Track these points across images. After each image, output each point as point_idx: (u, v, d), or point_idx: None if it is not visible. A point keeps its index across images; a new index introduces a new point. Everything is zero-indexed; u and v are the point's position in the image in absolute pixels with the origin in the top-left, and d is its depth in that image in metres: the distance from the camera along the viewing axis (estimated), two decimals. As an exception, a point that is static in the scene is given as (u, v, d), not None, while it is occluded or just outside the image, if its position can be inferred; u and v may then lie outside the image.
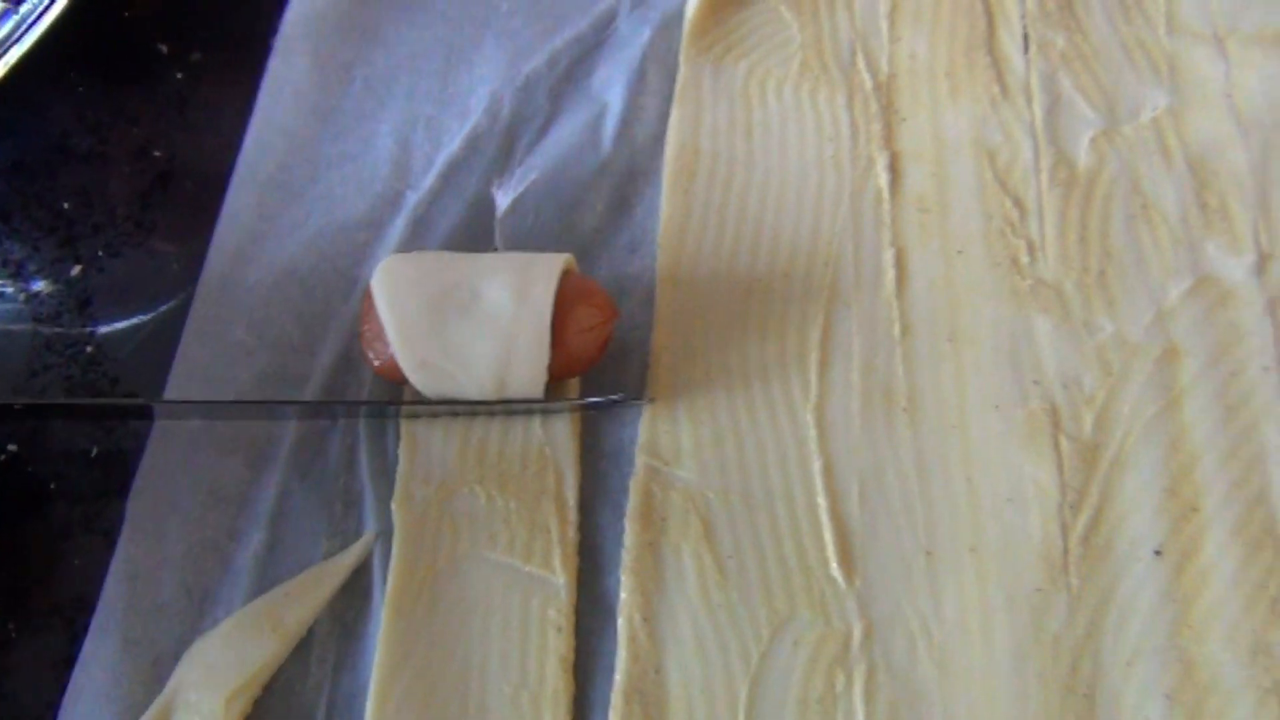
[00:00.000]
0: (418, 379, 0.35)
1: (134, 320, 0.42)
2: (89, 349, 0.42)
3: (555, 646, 0.34)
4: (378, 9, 0.47)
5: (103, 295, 0.43)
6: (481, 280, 0.35)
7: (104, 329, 0.42)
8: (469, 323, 0.34)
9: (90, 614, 0.37)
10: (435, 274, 0.35)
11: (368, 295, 0.36)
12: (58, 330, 0.43)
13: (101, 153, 0.45)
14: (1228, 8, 0.41)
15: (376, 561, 0.36)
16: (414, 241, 0.42)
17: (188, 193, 0.45)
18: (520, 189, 0.42)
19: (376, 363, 0.36)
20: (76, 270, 0.43)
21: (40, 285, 0.44)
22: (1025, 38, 0.42)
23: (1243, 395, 0.33)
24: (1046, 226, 0.38)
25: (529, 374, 0.35)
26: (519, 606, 0.34)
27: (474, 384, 0.35)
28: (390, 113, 0.45)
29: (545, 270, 0.35)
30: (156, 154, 0.45)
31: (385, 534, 0.36)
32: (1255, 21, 0.41)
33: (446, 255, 0.37)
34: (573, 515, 0.36)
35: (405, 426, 0.38)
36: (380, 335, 0.35)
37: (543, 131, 0.44)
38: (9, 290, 0.44)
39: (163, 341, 0.41)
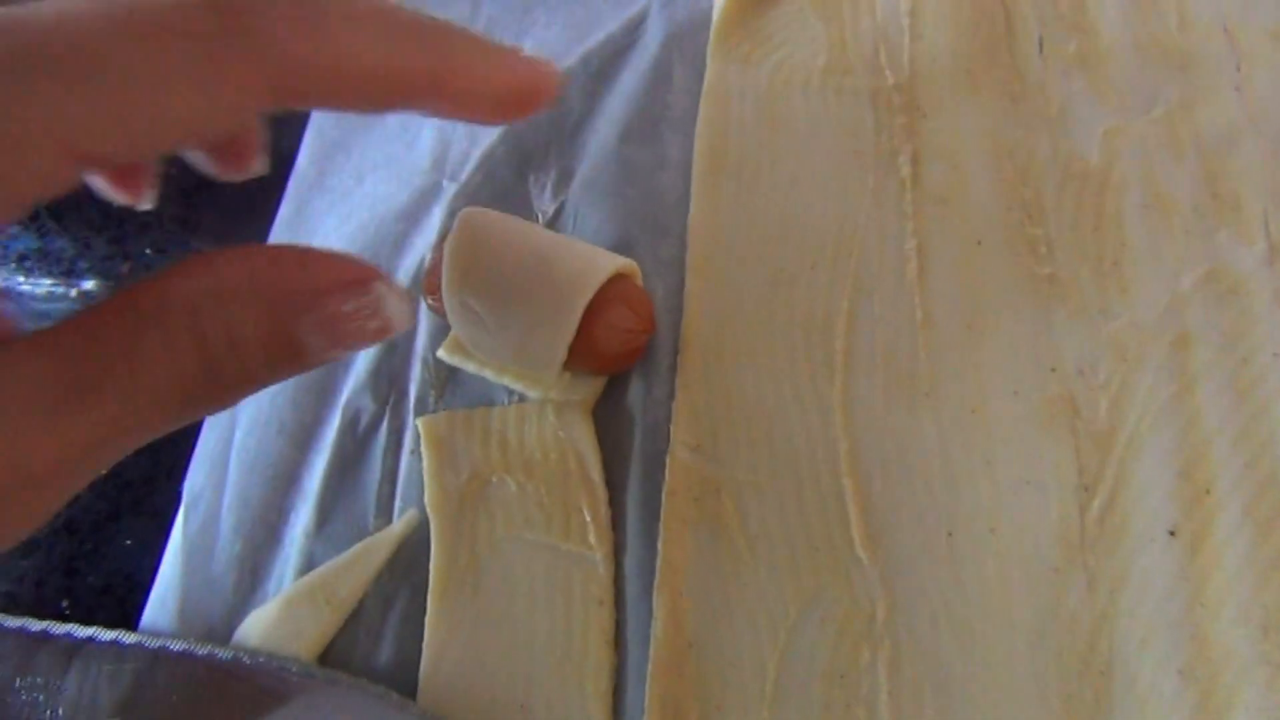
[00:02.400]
0: (455, 319, 0.35)
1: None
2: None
3: (597, 619, 0.34)
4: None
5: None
6: (545, 250, 0.35)
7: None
8: (518, 281, 0.34)
9: (141, 592, 0.37)
10: (507, 233, 0.36)
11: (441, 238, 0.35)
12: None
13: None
14: (1239, 3, 0.41)
15: (419, 538, 0.37)
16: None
17: (231, 193, 0.45)
18: (554, 182, 0.43)
19: (430, 299, 0.37)
20: (125, 268, 0.44)
21: (90, 283, 0.44)
22: (1041, 37, 0.42)
23: (1253, 380, 0.33)
24: (1063, 218, 0.38)
25: (547, 346, 0.34)
26: (561, 583, 0.35)
27: (498, 339, 0.35)
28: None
29: (604, 263, 0.36)
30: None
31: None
32: (1266, 15, 0.40)
33: (526, 223, 0.37)
34: (602, 493, 0.36)
35: (425, 426, 0.38)
36: (437, 269, 0.35)
37: (576, 127, 0.44)
38: (60, 289, 0.44)
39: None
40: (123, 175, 0.29)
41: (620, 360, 0.37)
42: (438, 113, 0.25)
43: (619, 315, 0.35)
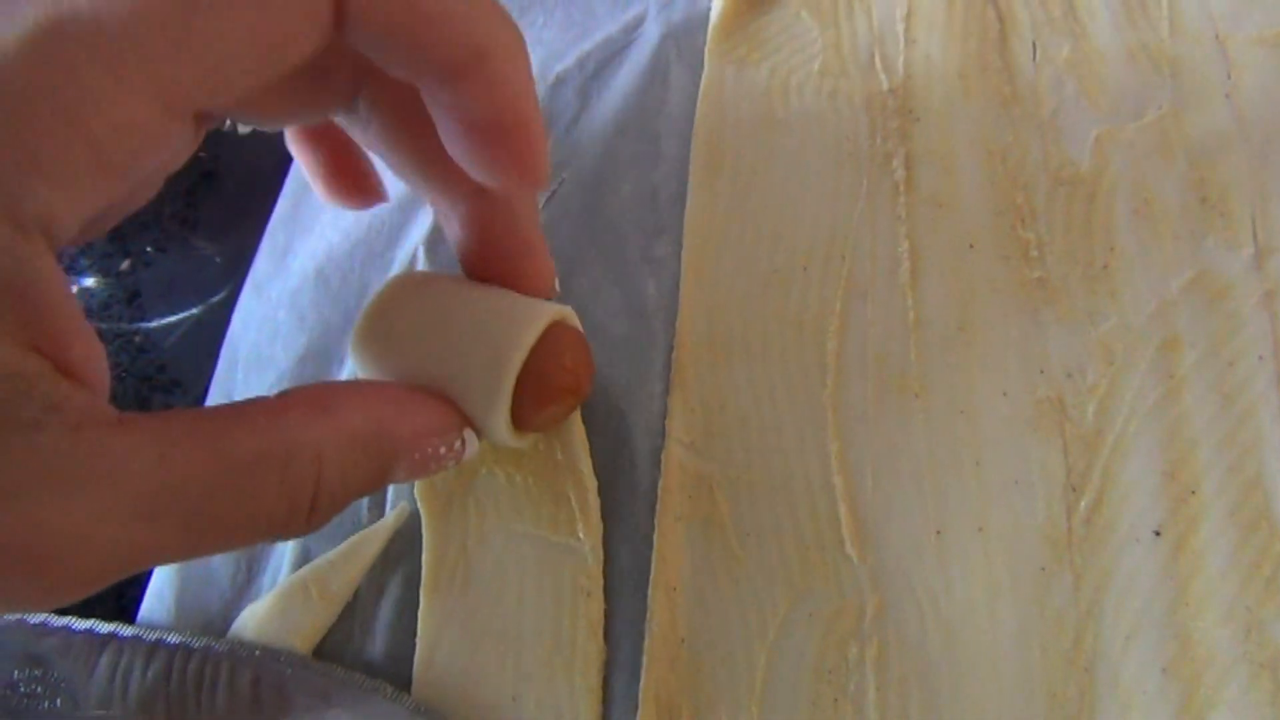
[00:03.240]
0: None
1: (180, 312, 0.43)
2: (137, 339, 0.43)
3: (586, 611, 0.34)
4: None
5: (150, 288, 0.44)
6: (469, 318, 0.31)
7: (152, 320, 0.43)
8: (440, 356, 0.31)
9: (137, 587, 0.38)
10: (428, 307, 0.32)
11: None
12: (108, 321, 0.44)
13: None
14: (1229, 10, 0.41)
15: (412, 530, 0.37)
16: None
17: (230, 191, 0.46)
18: (551, 180, 0.43)
19: None
20: (125, 264, 0.44)
21: (91, 280, 0.45)
22: (1034, 42, 0.42)
23: (1239, 383, 0.34)
24: (1053, 222, 0.38)
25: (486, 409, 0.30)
26: (550, 574, 0.35)
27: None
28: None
29: (534, 318, 0.31)
30: (201, 154, 0.46)
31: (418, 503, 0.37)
32: (1256, 23, 0.41)
33: (452, 286, 0.33)
34: (590, 483, 0.36)
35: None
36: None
37: (572, 125, 0.44)
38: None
39: (207, 331, 0.42)
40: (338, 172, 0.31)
41: (560, 402, 0.33)
42: (452, 100, 0.26)
43: (566, 356, 0.32)
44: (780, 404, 0.36)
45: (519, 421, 0.31)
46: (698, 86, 0.44)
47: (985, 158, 0.40)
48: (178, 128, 0.22)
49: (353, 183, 0.34)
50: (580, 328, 0.34)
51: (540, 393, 0.31)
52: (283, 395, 0.25)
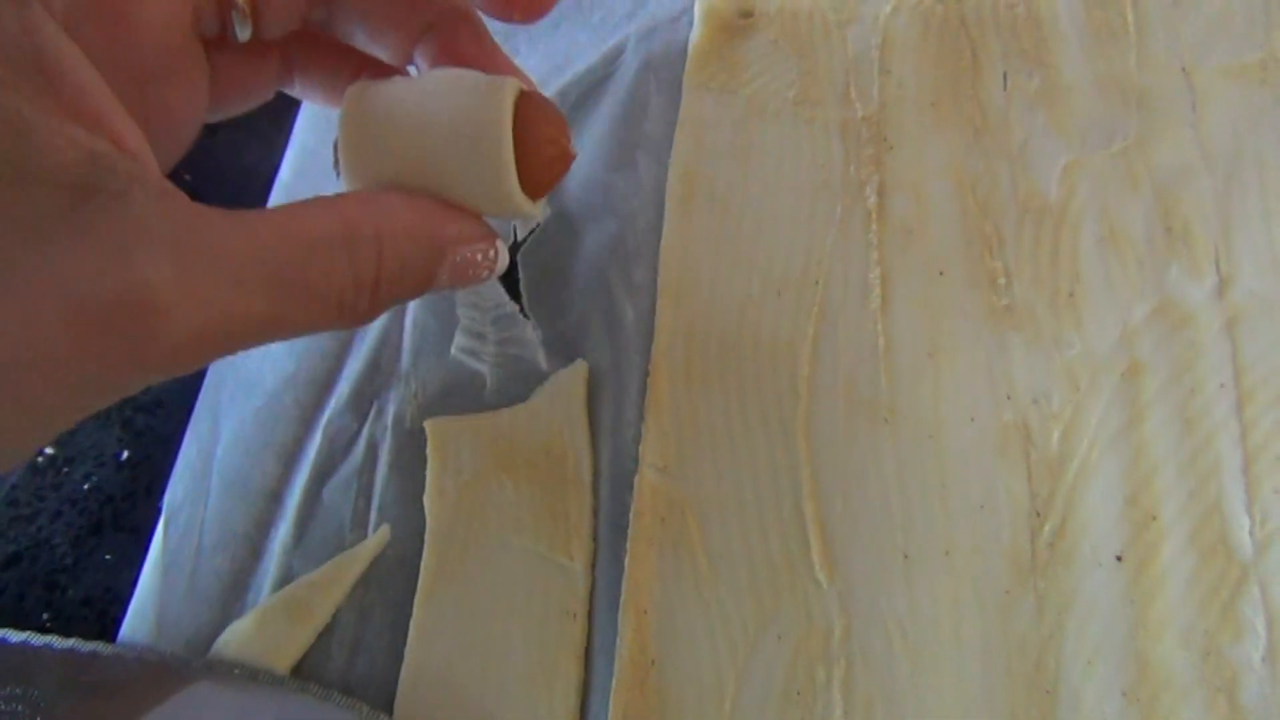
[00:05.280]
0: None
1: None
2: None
3: (569, 633, 0.35)
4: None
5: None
6: (440, 101, 0.30)
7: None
8: (426, 147, 0.30)
9: (120, 606, 0.38)
10: (396, 99, 0.30)
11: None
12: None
13: (134, 176, 0.47)
14: (1195, 43, 0.42)
15: (396, 553, 0.38)
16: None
17: (221, 202, 0.46)
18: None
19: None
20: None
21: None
22: (1005, 73, 0.43)
23: (1200, 411, 0.34)
24: (1021, 250, 0.38)
25: (493, 188, 0.30)
26: (539, 592, 0.35)
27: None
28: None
29: (505, 89, 0.30)
30: (186, 176, 0.47)
31: (403, 527, 0.38)
32: (1221, 55, 0.41)
33: (410, 80, 0.32)
34: (588, 498, 0.37)
35: (432, 427, 0.39)
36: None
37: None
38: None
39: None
40: None
41: (555, 170, 0.32)
42: None
43: (542, 125, 0.31)
44: (753, 428, 0.37)
45: (528, 190, 0.31)
46: (676, 115, 0.44)
47: (956, 186, 0.40)
48: None
49: None
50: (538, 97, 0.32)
51: (531, 168, 0.30)
52: (340, 195, 0.28)
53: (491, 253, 0.31)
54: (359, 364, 0.41)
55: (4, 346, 0.21)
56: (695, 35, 0.46)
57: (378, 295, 0.27)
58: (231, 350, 0.25)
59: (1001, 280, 0.38)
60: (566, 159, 0.32)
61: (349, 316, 0.27)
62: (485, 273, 0.31)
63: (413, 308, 0.42)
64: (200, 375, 0.42)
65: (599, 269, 0.41)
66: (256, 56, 0.31)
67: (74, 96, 0.22)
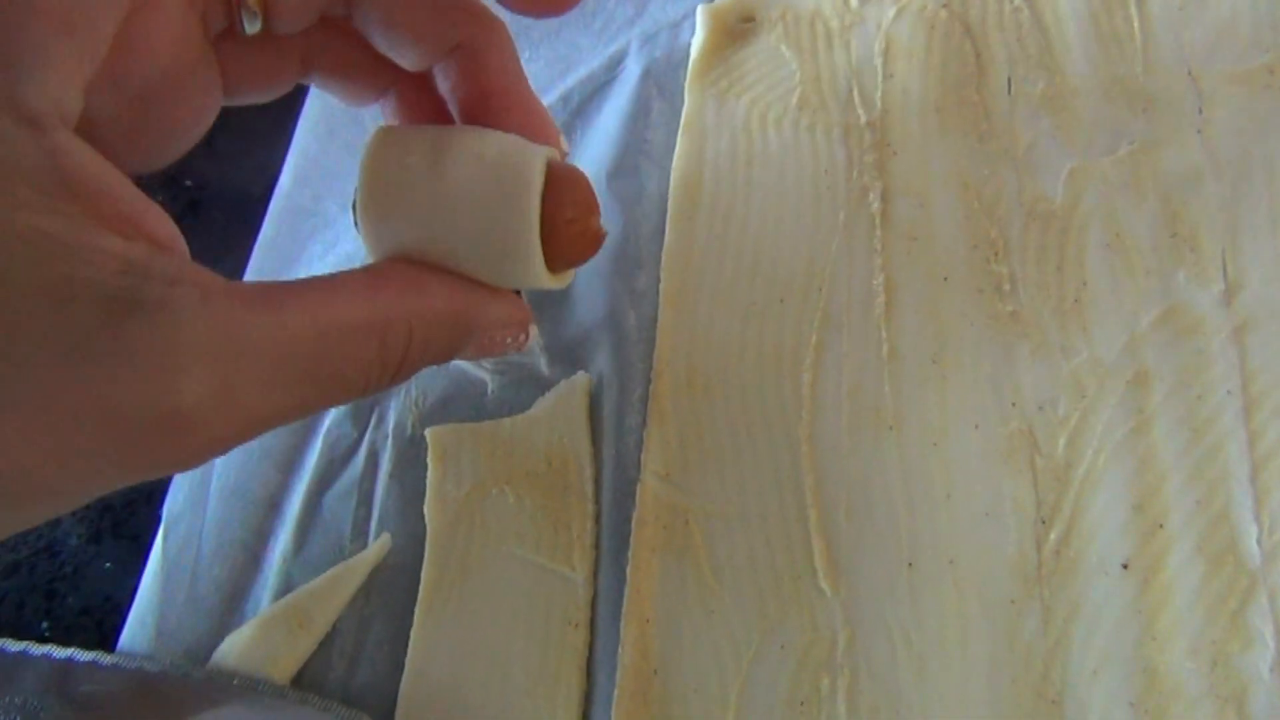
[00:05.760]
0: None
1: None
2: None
3: (571, 642, 0.35)
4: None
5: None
6: (466, 164, 0.29)
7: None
8: (450, 207, 0.29)
9: (119, 615, 0.38)
10: (422, 154, 0.30)
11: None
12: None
13: (135, 182, 0.47)
14: (1202, 47, 0.42)
15: (396, 562, 0.37)
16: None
17: (217, 221, 0.46)
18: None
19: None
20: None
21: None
22: (1009, 77, 0.43)
23: (1208, 418, 0.34)
24: (1027, 256, 0.38)
25: (514, 258, 0.29)
26: (541, 602, 0.35)
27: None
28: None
29: (536, 153, 0.30)
30: (187, 183, 0.47)
31: (405, 536, 0.38)
32: (1228, 60, 0.41)
33: (438, 132, 0.31)
34: (590, 508, 0.37)
35: (433, 436, 0.39)
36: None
37: (556, 162, 0.45)
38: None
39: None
40: None
41: (582, 250, 0.32)
42: None
43: (571, 202, 0.30)
44: (756, 436, 0.37)
45: (552, 266, 0.30)
46: (678, 121, 0.44)
47: (960, 192, 0.40)
48: None
49: None
50: (567, 163, 0.32)
51: (558, 245, 0.30)
52: (377, 273, 0.28)
53: (522, 337, 0.31)
54: (360, 371, 0.41)
55: (47, 457, 0.21)
56: (697, 40, 0.46)
57: (398, 374, 0.28)
58: (264, 432, 0.25)
59: (1006, 287, 0.38)
60: (596, 240, 0.31)
61: (366, 393, 0.27)
62: (513, 350, 0.31)
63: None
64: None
65: (601, 276, 0.41)
66: (272, 49, 0.31)
67: (104, 205, 0.22)
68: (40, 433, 0.21)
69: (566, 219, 0.30)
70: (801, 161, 0.42)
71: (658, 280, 0.41)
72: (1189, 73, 0.41)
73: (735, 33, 0.46)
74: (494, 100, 0.32)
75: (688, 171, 0.43)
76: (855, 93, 0.44)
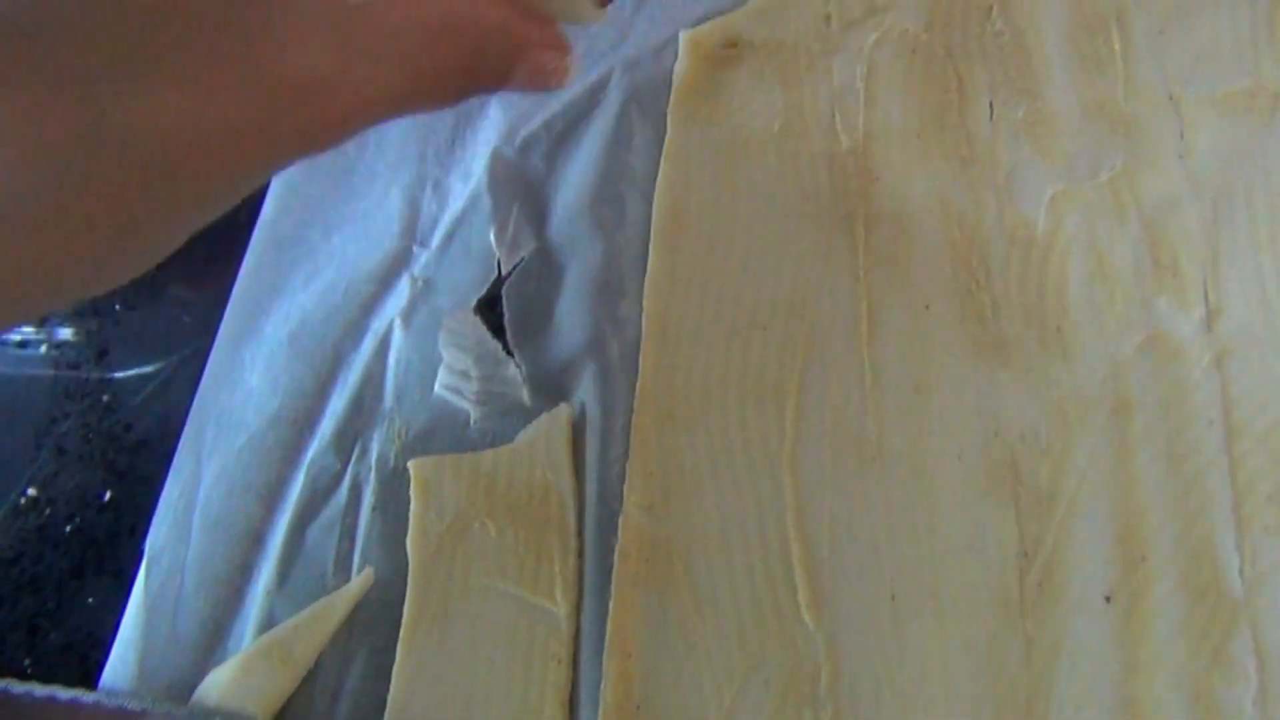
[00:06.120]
0: None
1: (148, 369, 0.44)
2: (105, 397, 0.43)
3: (554, 677, 0.35)
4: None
5: (119, 346, 0.44)
6: None
7: (120, 377, 0.44)
8: None
9: (102, 650, 0.38)
10: None
11: None
12: (77, 378, 0.44)
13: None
14: (1182, 70, 0.42)
15: (379, 597, 0.37)
16: (423, 295, 0.43)
17: (200, 250, 0.46)
18: (518, 242, 0.44)
19: None
20: (95, 323, 0.45)
21: (62, 335, 0.45)
22: (991, 102, 0.43)
23: (1189, 447, 0.34)
24: (1009, 283, 0.38)
25: None
26: (524, 637, 0.35)
27: None
28: (401, 174, 0.46)
29: None
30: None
31: (387, 569, 0.37)
32: (1208, 84, 0.41)
33: None
34: (573, 543, 0.36)
35: (416, 468, 0.39)
36: None
37: (541, 188, 0.45)
38: (34, 338, 0.45)
39: (175, 390, 0.43)
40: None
41: None
42: None
43: None
44: (738, 466, 0.37)
45: None
46: (661, 147, 0.44)
47: (942, 218, 0.40)
48: None
49: None
50: None
51: None
52: None
53: (562, 62, 0.34)
54: (342, 401, 0.41)
55: (222, 114, 0.25)
56: (680, 67, 0.46)
57: (470, 80, 0.32)
58: (372, 123, 0.29)
59: (989, 314, 0.38)
60: None
61: (452, 96, 0.32)
62: (554, 81, 0.34)
63: (396, 344, 0.42)
64: (183, 413, 0.42)
65: (584, 304, 0.41)
66: None
67: None
68: (207, 98, 0.25)
69: None
70: (785, 188, 0.42)
71: (640, 308, 0.40)
72: (1170, 96, 0.41)
73: (718, 59, 0.46)
74: None
75: (671, 198, 0.43)
76: (837, 118, 0.44)
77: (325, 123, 0.28)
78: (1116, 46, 0.43)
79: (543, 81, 0.35)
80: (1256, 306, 0.36)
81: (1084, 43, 0.43)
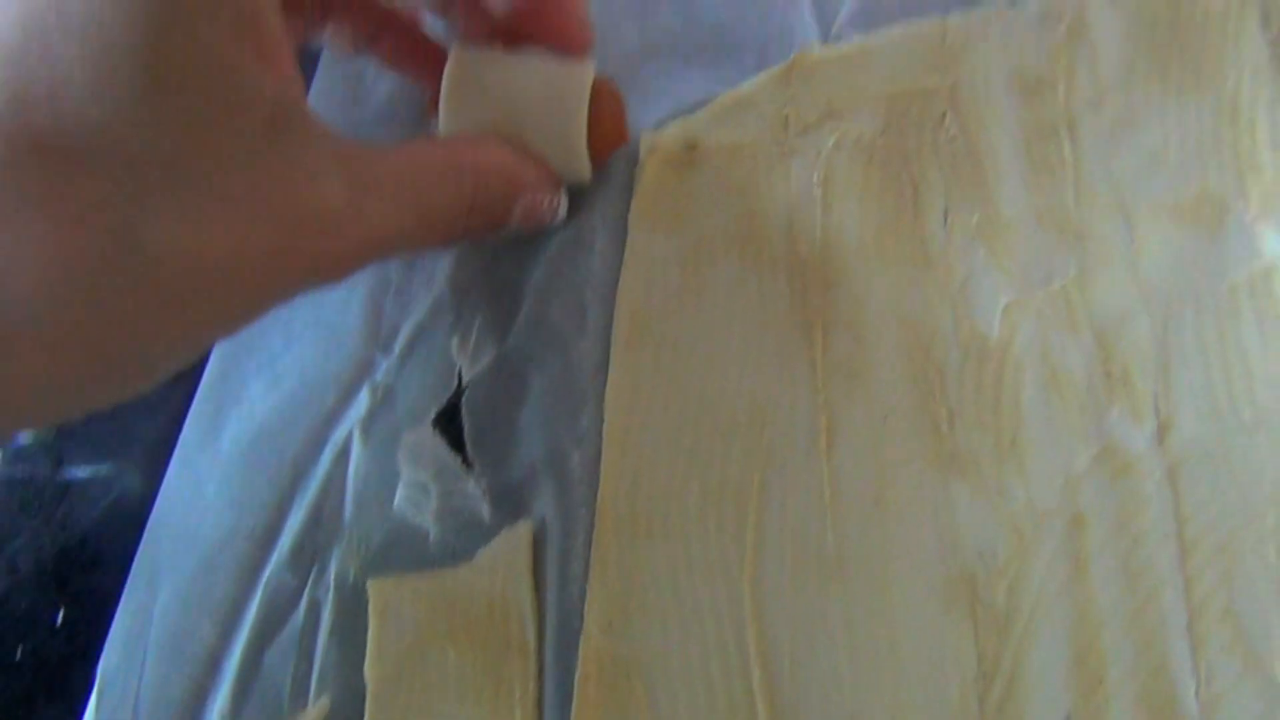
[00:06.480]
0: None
1: (105, 482, 0.44)
2: (61, 511, 0.43)
3: (514, 808, 0.34)
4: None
5: (74, 457, 0.44)
6: (529, 79, 0.39)
7: (76, 486, 0.44)
8: (515, 111, 0.39)
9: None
10: (495, 68, 0.39)
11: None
12: (33, 487, 0.44)
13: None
14: (1132, 178, 0.43)
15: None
16: (383, 404, 0.43)
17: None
18: (481, 350, 0.44)
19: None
20: (51, 434, 0.44)
21: (21, 441, 0.45)
22: (945, 208, 0.43)
23: (1144, 563, 0.34)
24: (964, 394, 0.39)
25: (566, 145, 0.40)
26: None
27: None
28: (365, 278, 0.46)
29: (585, 67, 0.40)
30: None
31: (345, 694, 0.37)
32: (1157, 192, 0.42)
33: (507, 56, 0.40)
34: (534, 666, 0.36)
35: (374, 589, 0.38)
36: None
37: (502, 295, 0.45)
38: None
39: (131, 504, 0.42)
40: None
41: (614, 143, 0.44)
42: None
43: (610, 113, 0.42)
44: (698, 584, 0.37)
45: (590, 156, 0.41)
46: (622, 252, 0.45)
47: (899, 327, 0.41)
48: None
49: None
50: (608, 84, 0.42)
51: (596, 140, 0.41)
52: (448, 137, 0.38)
53: (555, 200, 0.40)
54: (300, 516, 0.41)
55: (242, 243, 0.27)
56: (639, 171, 0.46)
57: (471, 219, 0.35)
58: (379, 258, 0.33)
59: (945, 426, 0.38)
60: (624, 137, 0.44)
61: (452, 234, 0.35)
62: (549, 217, 0.39)
63: (355, 456, 0.42)
64: (139, 528, 0.41)
65: (545, 414, 0.42)
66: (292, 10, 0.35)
67: (266, 44, 0.28)
68: (229, 227, 0.27)
69: (606, 123, 0.41)
70: (746, 294, 0.43)
71: (601, 419, 0.41)
72: (1120, 204, 0.42)
73: (678, 161, 0.47)
74: (551, 9, 0.40)
75: (632, 307, 0.43)
76: (796, 223, 0.44)
77: (337, 255, 0.30)
78: (1067, 153, 0.44)
79: (539, 220, 0.39)
80: (1207, 419, 0.37)
81: (1035, 148, 0.44)
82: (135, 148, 0.25)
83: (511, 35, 0.40)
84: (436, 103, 0.40)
